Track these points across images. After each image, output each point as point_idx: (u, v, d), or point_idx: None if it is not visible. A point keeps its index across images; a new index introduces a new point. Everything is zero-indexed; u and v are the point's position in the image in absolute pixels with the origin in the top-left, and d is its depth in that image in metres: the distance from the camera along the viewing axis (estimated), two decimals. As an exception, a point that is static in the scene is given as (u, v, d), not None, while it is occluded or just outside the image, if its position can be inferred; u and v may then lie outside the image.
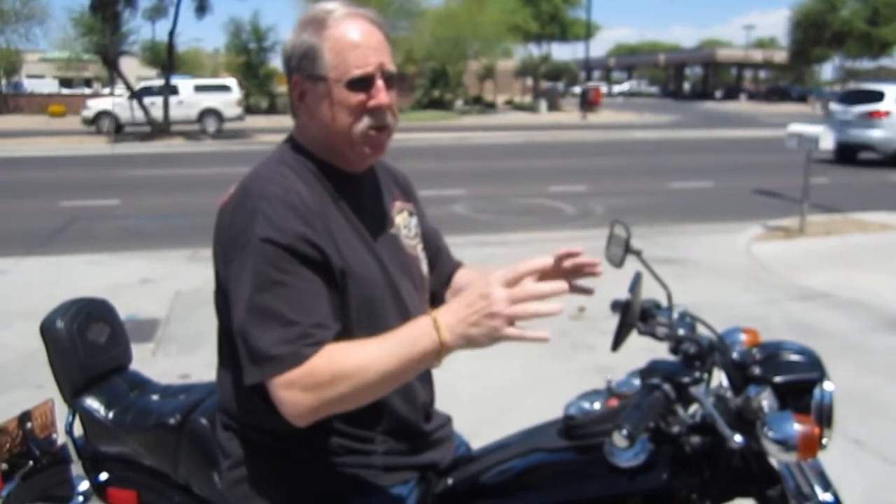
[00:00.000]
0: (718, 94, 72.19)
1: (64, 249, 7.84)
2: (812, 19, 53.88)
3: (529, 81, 52.53)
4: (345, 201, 1.43)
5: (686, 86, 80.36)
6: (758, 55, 75.85)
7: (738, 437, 1.27)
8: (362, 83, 1.36)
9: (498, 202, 11.16)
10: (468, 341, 1.18)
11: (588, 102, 38.25)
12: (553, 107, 43.02)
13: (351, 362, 1.23)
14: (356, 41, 1.36)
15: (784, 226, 8.92)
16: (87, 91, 45.40)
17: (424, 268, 1.61)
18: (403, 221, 1.58)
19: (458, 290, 1.75)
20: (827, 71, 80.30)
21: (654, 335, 1.39)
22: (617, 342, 1.18)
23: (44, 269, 6.92)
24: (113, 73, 24.19)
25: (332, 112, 1.38)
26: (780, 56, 69.02)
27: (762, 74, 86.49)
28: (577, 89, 48.77)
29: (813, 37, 54.52)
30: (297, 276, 1.28)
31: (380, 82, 1.37)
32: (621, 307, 1.16)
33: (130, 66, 29.52)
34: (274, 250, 1.28)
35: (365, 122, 1.38)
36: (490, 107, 43.18)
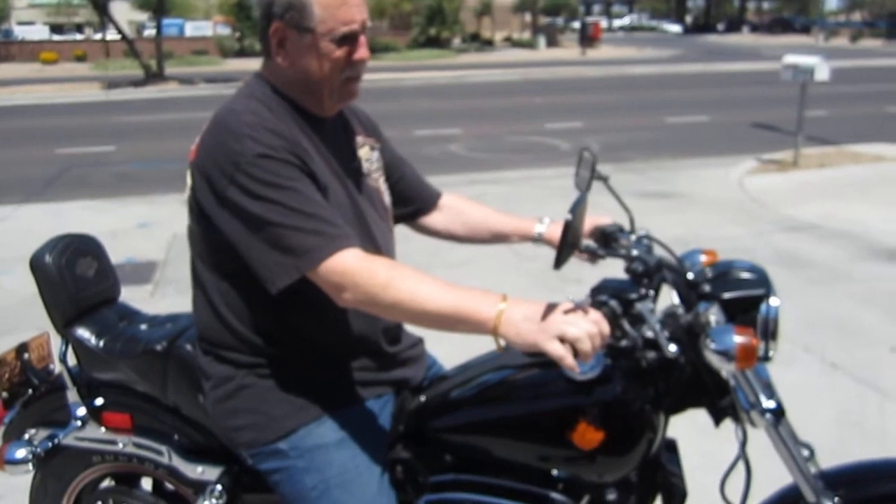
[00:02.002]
0: (721, 26, 70.86)
1: (61, 196, 7.89)
2: (817, -53, 52.45)
3: (528, 17, 51.51)
4: (314, 135, 1.49)
5: (688, 19, 78.75)
6: (761, -15, 74.11)
7: (672, 347, 1.35)
8: (348, 38, 1.42)
9: (494, 140, 11.14)
10: (517, 335, 1.25)
11: (587, 38, 37.64)
12: (552, 43, 42.33)
13: (410, 283, 1.32)
14: None
15: (778, 159, 8.93)
16: (78, 37, 44.71)
17: (387, 199, 1.69)
18: (366, 155, 1.65)
19: (465, 222, 1.85)
20: (831, 0, 78.66)
21: (593, 253, 1.46)
22: (559, 261, 1.25)
23: (42, 215, 6.98)
24: (104, 17, 23.79)
25: (318, 63, 1.44)
26: (784, -15, 67.45)
27: (766, 5, 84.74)
28: (577, 24, 47.93)
29: (817, -35, 53.17)
30: (301, 183, 1.37)
31: (363, 38, 1.44)
32: (563, 227, 1.22)
33: (121, 10, 28.94)
34: (271, 162, 1.35)
35: (346, 73, 1.46)
36: (488, 44, 42.49)
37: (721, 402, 1.49)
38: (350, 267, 1.33)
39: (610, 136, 11.23)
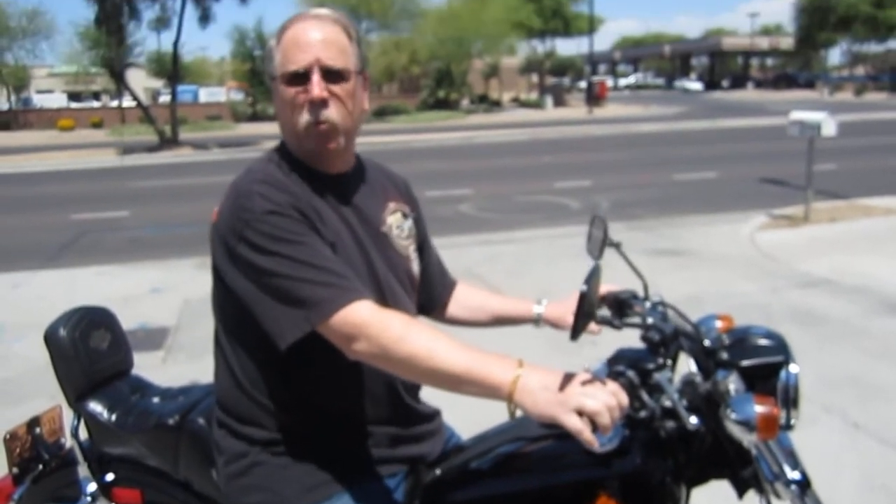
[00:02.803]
0: (725, 83, 71.83)
1: (75, 262, 7.96)
2: (817, 4, 53.56)
3: (535, 78, 52.48)
4: (330, 194, 1.49)
5: (693, 76, 79.93)
6: (764, 42, 75.46)
7: (693, 419, 1.32)
8: (297, 78, 1.42)
9: (504, 200, 11.21)
10: (533, 404, 1.22)
11: (594, 97, 38.27)
12: (559, 102, 43.00)
13: (425, 340, 1.29)
14: (298, 39, 1.43)
15: (789, 214, 8.93)
16: (95, 104, 45.78)
17: (415, 268, 1.67)
18: (396, 222, 1.63)
19: (467, 306, 1.85)
20: (834, 56, 79.85)
21: (610, 324, 1.45)
22: (575, 332, 1.24)
23: (56, 281, 7.03)
24: (120, 84, 24.41)
25: (282, 107, 1.46)
26: (787, 42, 68.66)
27: (769, 62, 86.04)
28: (583, 84, 48.71)
29: (819, 22, 54.21)
30: (310, 238, 1.36)
31: (315, 77, 1.41)
32: (578, 298, 1.22)
33: (137, 78, 29.76)
34: (280, 218, 1.35)
35: (304, 117, 1.42)
36: (496, 105, 43.19)
37: (744, 472, 1.45)
38: (363, 318, 1.31)
39: (619, 194, 11.29)
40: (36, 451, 1.86)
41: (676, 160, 15.23)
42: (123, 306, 5.87)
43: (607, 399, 1.20)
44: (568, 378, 1.24)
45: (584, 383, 1.23)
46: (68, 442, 1.87)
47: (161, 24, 23.80)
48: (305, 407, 1.48)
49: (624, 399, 1.23)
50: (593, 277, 1.25)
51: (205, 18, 23.58)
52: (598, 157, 16.83)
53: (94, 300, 6.03)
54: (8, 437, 1.81)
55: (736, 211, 9.31)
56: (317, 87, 1.41)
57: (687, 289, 5.75)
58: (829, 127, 8.19)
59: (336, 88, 1.43)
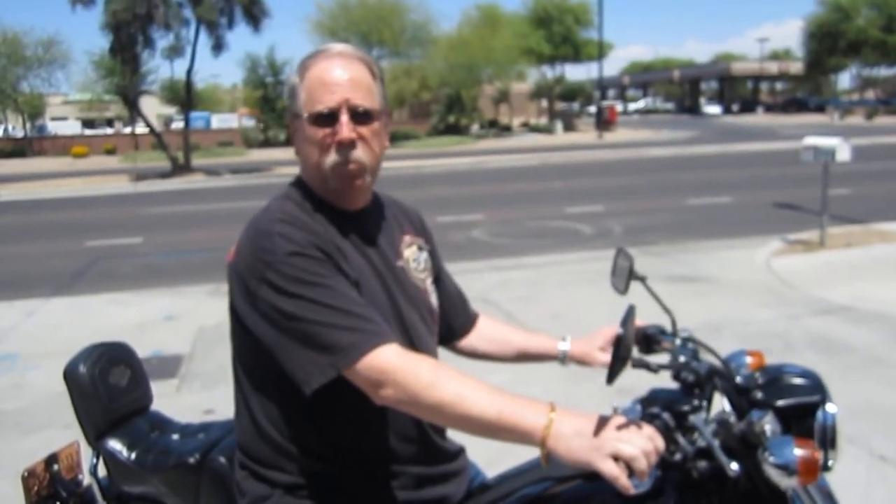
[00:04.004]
0: (735, 107, 71.95)
1: (89, 289, 7.98)
2: (826, 29, 53.67)
3: (544, 103, 52.67)
4: (351, 231, 1.48)
5: (702, 100, 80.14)
6: (773, 67, 75.59)
7: (734, 465, 1.28)
8: (325, 119, 1.41)
9: (516, 226, 11.20)
10: (567, 451, 1.20)
11: (604, 121, 38.35)
12: (569, 127, 43.14)
13: (455, 385, 1.27)
14: (325, 79, 1.42)
15: (804, 239, 8.86)
16: (108, 131, 46.29)
17: (434, 301, 1.65)
18: (412, 255, 1.62)
19: (492, 339, 1.82)
20: (844, 80, 79.94)
21: (647, 367, 1.41)
22: (611, 376, 1.21)
23: (69, 309, 7.04)
24: (133, 112, 24.66)
25: (307, 148, 1.44)
26: (796, 67, 68.73)
27: (778, 86, 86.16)
28: (593, 109, 48.88)
29: (828, 46, 54.30)
30: (334, 280, 1.34)
31: (344, 118, 1.40)
32: (614, 341, 1.19)
33: (150, 105, 30.06)
34: (303, 259, 1.33)
35: (332, 157, 1.42)
36: (506, 130, 43.40)
37: (778, 514, 1.41)
38: (390, 364, 1.28)
39: (631, 219, 11.26)
40: (54, 488, 1.84)
41: (689, 185, 15.20)
42: (137, 334, 5.87)
43: (644, 444, 1.17)
44: (602, 422, 1.21)
45: (619, 427, 1.20)
46: (86, 479, 1.84)
47: (174, 52, 24.00)
48: (330, 450, 1.45)
49: (661, 443, 1.20)
50: (629, 319, 1.22)
51: (218, 47, 23.78)
52: (609, 182, 16.82)
53: (107, 328, 6.02)
54: (26, 474, 1.79)
55: (751, 236, 9.25)
56: (345, 128, 1.40)
57: (704, 316, 5.70)
58: (844, 152, 8.16)
59: (363, 129, 1.42)
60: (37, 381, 4.95)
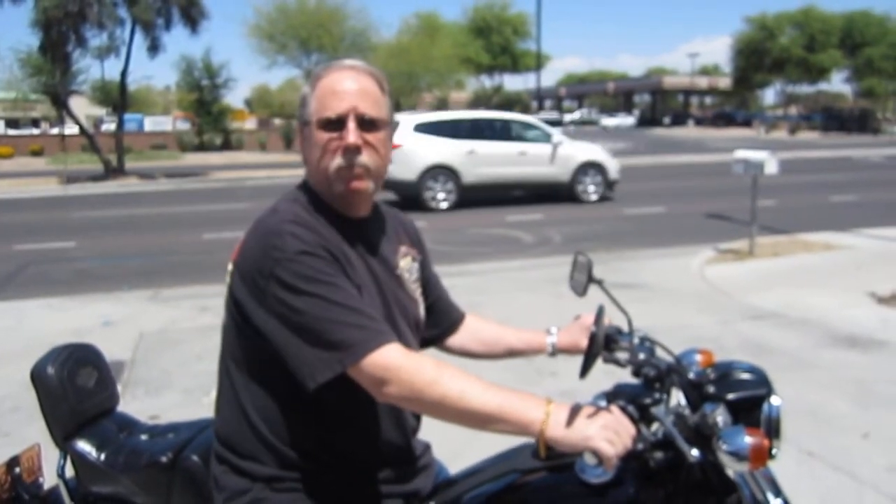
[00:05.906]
0: (667, 120, 73.96)
1: (21, 294, 7.73)
2: (752, 47, 55.87)
3: (483, 112, 53.18)
4: (354, 238, 1.54)
5: (636, 112, 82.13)
6: (703, 82, 78.14)
7: (695, 452, 1.38)
8: (333, 124, 1.48)
9: (457, 234, 11.31)
10: (565, 436, 1.31)
11: (541, 132, 38.83)
12: (507, 136, 43.57)
13: (458, 381, 1.35)
14: (335, 88, 1.49)
15: (734, 248, 9.22)
16: (34, 131, 44.67)
17: (421, 311, 1.72)
18: (407, 265, 1.69)
19: (482, 340, 1.89)
20: (769, 96, 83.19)
21: (617, 363, 1.51)
22: (584, 371, 1.30)
23: (2, 314, 6.80)
24: (62, 112, 23.90)
25: (313, 152, 1.51)
26: (724, 82, 71.28)
27: (708, 100, 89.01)
28: (530, 119, 49.52)
29: (754, 63, 56.55)
30: (341, 279, 1.40)
31: (351, 124, 1.47)
32: (587, 339, 1.28)
33: (80, 105, 29.14)
34: (312, 258, 1.38)
35: (337, 161, 1.48)
36: (445, 138, 43.54)
37: (727, 500, 1.52)
38: (395, 362, 1.35)
39: (570, 228, 11.51)
40: (15, 491, 1.82)
41: (624, 195, 15.59)
42: (74, 340, 5.71)
43: (632, 431, 1.32)
44: (596, 411, 1.34)
45: (599, 415, 1.32)
46: (51, 482, 1.84)
47: (107, 52, 23.41)
48: (316, 445, 1.49)
49: (633, 432, 1.31)
50: (600, 319, 1.31)
51: (154, 48, 23.27)
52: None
53: (44, 333, 5.86)
54: (-12, 478, 1.77)
55: (684, 245, 9.58)
56: (352, 134, 1.46)
57: (643, 321, 5.77)
58: (772, 166, 8.55)
59: (370, 137, 1.49)
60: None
